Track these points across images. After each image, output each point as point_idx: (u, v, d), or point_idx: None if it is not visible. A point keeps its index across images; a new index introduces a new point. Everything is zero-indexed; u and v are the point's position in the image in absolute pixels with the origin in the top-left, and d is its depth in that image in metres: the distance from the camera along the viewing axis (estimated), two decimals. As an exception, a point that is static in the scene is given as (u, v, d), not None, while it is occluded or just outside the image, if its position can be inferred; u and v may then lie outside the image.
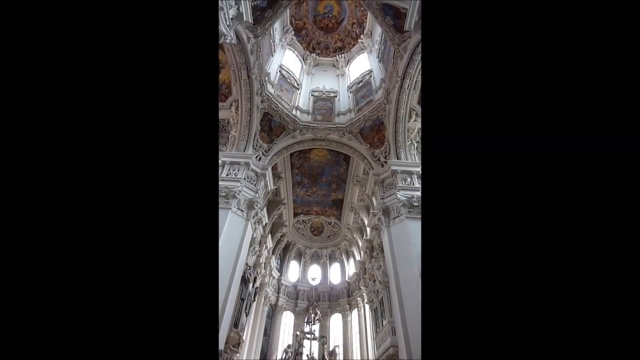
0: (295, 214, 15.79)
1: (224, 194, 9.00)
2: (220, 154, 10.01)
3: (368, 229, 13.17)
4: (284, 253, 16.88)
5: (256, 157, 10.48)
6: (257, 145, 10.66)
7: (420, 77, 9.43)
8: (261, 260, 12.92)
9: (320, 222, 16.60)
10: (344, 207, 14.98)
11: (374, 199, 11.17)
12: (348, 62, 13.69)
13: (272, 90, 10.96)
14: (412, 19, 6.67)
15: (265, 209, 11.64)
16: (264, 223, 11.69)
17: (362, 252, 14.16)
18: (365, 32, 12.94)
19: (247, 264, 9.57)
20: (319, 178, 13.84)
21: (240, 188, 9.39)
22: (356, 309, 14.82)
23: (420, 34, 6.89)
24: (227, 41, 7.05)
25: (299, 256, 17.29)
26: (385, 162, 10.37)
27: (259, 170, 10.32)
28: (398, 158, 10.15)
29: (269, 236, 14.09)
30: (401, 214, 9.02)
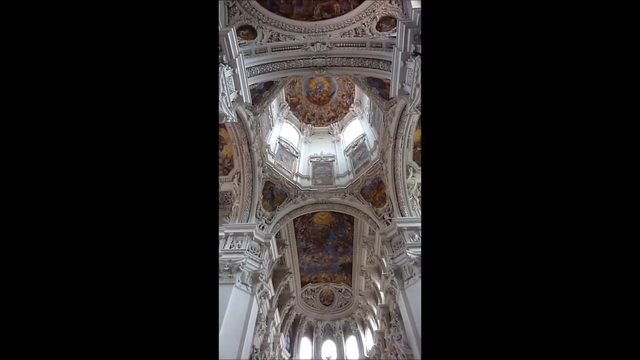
0: (303, 283, 14.92)
1: (227, 268, 8.62)
2: (224, 226, 9.93)
3: (382, 294, 12.26)
4: (293, 329, 15.44)
5: (259, 226, 10.37)
6: (260, 214, 10.65)
7: (411, 136, 9.94)
8: (269, 340, 11.73)
9: (330, 290, 15.58)
10: (353, 271, 14.23)
11: (383, 259, 10.66)
12: (342, 128, 14.60)
13: (272, 161, 11.42)
14: (396, 87, 7.30)
15: (270, 281, 11.04)
16: (270, 296, 10.94)
17: (378, 321, 12.93)
18: (354, 101, 14.10)
19: (253, 347, 8.66)
20: (325, 242, 13.46)
21: (244, 260, 9.05)
22: (380, 393, 12.86)
23: (404, 99, 7.48)
24: (229, 121, 7.63)
25: (310, 331, 15.76)
26: (390, 220, 10.21)
27: (262, 240, 10.10)
28: (402, 215, 10.02)
29: (277, 311, 13.05)
30: (414, 274, 8.49)
